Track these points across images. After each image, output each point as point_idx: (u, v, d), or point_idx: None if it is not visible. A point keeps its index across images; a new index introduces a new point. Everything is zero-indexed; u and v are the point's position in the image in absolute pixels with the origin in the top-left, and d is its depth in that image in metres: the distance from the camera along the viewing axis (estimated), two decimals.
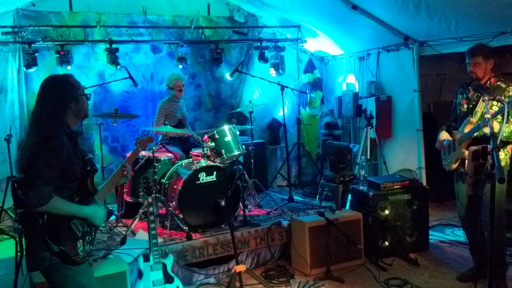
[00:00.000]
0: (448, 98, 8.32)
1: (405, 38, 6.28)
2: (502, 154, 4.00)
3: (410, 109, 6.58)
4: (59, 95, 2.77)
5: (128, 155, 3.56)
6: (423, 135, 6.40)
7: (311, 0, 6.29)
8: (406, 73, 6.56)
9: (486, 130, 3.77)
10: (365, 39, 6.91)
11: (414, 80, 6.44)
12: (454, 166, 4.26)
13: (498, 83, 4.01)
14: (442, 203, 6.91)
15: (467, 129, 4.05)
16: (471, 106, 4.17)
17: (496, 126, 3.63)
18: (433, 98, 8.07)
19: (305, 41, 7.75)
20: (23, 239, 2.84)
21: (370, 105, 6.96)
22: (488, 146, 3.06)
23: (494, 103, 3.82)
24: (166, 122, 5.62)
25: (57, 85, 2.83)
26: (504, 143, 3.94)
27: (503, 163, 3.99)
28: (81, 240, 2.79)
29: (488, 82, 4.05)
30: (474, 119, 4.04)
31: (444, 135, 4.37)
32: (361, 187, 5.40)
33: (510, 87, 3.96)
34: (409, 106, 6.59)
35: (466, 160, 4.03)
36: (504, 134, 3.77)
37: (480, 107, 4.04)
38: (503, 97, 3.77)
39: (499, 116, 3.77)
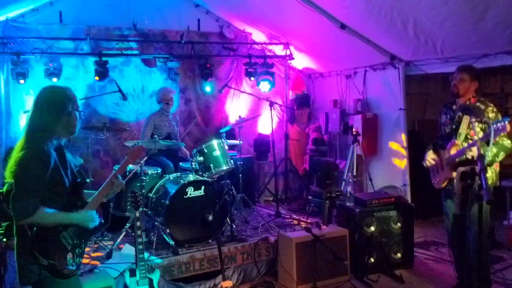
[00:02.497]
0: (432, 117, 8.48)
1: (391, 58, 6.41)
2: (488, 172, 4.03)
3: (396, 127, 6.69)
4: (54, 107, 2.77)
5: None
6: (408, 153, 6.49)
7: (300, 18, 6.38)
8: (392, 91, 6.68)
9: (471, 153, 3.83)
10: (353, 58, 7.02)
11: (400, 99, 6.56)
12: (443, 185, 4.28)
13: (478, 103, 4.09)
14: (427, 220, 6.99)
15: (452, 151, 4.09)
16: (454, 127, 4.24)
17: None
18: (417, 117, 8.21)
19: (293, 58, 7.83)
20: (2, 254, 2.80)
21: (356, 122, 7.05)
22: (476, 167, 3.12)
23: (480, 124, 3.89)
24: (155, 135, 5.61)
25: (54, 96, 2.82)
26: (488, 165, 3.98)
27: (489, 181, 4.01)
28: (70, 253, 2.77)
29: (468, 102, 4.14)
30: (458, 141, 4.09)
31: (430, 155, 4.36)
32: (347, 204, 5.45)
33: (489, 108, 4.04)
34: (395, 124, 6.70)
35: (455, 180, 4.07)
36: (488, 158, 3.81)
37: (463, 129, 4.10)
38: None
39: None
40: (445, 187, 4.31)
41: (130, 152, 3.35)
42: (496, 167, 4.09)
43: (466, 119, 4.07)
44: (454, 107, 4.30)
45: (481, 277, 4.03)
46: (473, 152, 3.79)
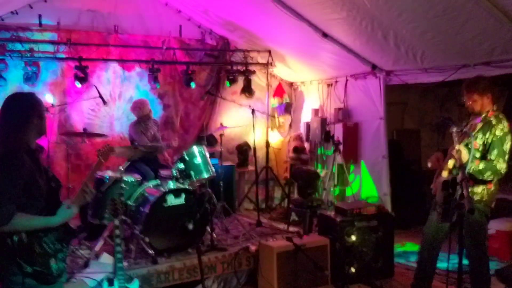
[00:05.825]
0: (410, 126, 8.61)
1: (372, 67, 6.47)
2: (479, 188, 3.92)
3: (376, 136, 6.74)
4: (22, 111, 2.76)
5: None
6: (388, 162, 6.54)
7: (283, 26, 6.41)
8: (372, 100, 6.74)
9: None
10: (334, 67, 7.07)
11: (380, 108, 6.62)
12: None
13: (491, 118, 3.93)
14: (407, 230, 7.04)
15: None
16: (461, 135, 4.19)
17: (465, 155, 3.69)
18: (395, 126, 8.30)
19: (275, 66, 7.85)
20: None
21: (337, 131, 7.09)
22: (457, 177, 3.13)
23: (480, 135, 3.87)
24: (136, 143, 5.54)
25: (20, 101, 2.81)
26: (483, 182, 3.89)
27: (478, 197, 3.91)
28: (53, 258, 2.73)
29: (484, 115, 3.98)
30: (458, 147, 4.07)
31: (437, 155, 4.25)
32: (328, 213, 5.45)
33: (500, 124, 3.87)
34: (375, 133, 6.75)
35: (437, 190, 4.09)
36: (473, 170, 3.76)
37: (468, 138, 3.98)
38: (488, 133, 3.81)
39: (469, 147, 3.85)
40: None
41: (101, 153, 3.29)
42: (490, 186, 3.95)
43: (474, 131, 3.95)
44: (471, 117, 4.16)
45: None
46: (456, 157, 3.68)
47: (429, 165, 4.34)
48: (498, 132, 3.84)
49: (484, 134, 3.87)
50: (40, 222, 2.68)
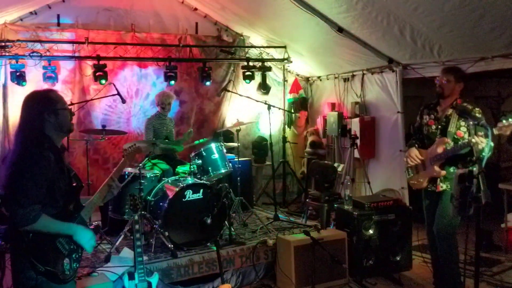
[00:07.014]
0: None
1: (389, 61, 6.44)
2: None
3: (393, 130, 6.71)
4: (37, 109, 2.74)
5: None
6: None
7: (298, 22, 6.41)
8: (389, 94, 6.71)
9: (478, 145, 3.78)
10: (350, 61, 7.05)
11: (397, 102, 6.59)
12: (425, 184, 4.35)
13: (464, 104, 4.13)
14: (425, 223, 6.99)
15: (440, 149, 4.14)
16: (440, 127, 4.27)
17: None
18: (412, 120, 8.22)
19: (291, 62, 7.86)
20: None
21: (354, 126, 7.08)
22: (474, 169, 3.15)
23: (462, 123, 4.07)
24: (153, 139, 5.61)
25: (35, 99, 2.81)
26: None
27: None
28: (67, 259, 2.74)
29: (455, 103, 4.20)
30: (448, 139, 4.13)
31: (415, 152, 4.42)
32: (346, 207, 5.45)
33: (476, 109, 4.06)
34: (392, 127, 6.72)
35: (452, 182, 4.10)
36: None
37: (452, 128, 4.15)
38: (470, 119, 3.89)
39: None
40: (426, 187, 4.35)
41: (127, 154, 3.34)
42: None
43: (454, 119, 4.13)
44: (438, 108, 4.36)
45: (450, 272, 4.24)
46: (478, 143, 3.75)
47: (410, 163, 4.46)
48: (478, 115, 3.99)
49: (465, 122, 4.05)
50: (61, 228, 2.70)
